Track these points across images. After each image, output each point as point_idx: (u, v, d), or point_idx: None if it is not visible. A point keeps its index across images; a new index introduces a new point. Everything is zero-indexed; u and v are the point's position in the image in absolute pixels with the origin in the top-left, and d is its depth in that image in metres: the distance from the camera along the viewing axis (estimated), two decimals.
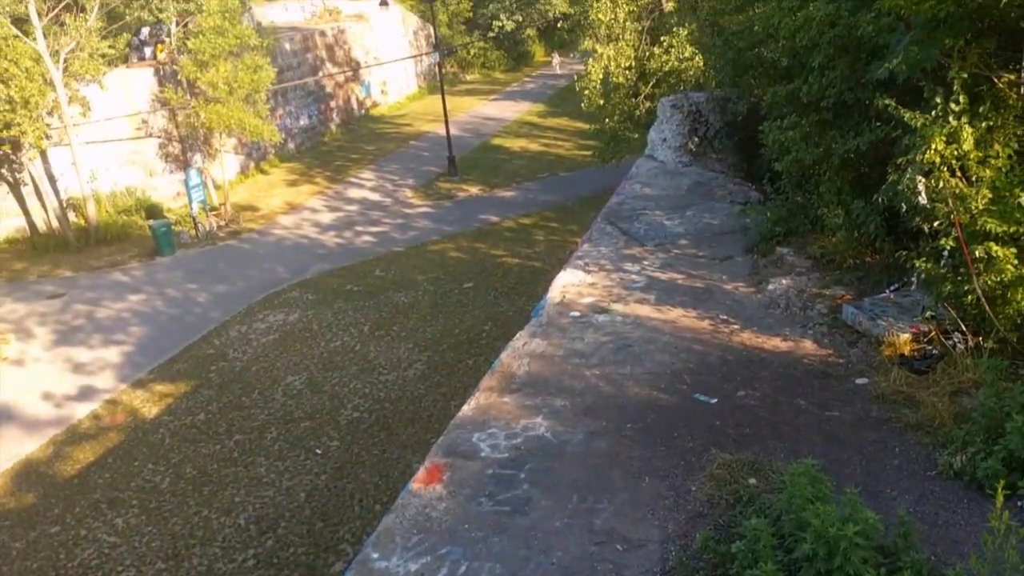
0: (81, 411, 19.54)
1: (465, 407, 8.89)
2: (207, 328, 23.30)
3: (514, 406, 8.80)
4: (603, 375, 9.35)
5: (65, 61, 29.25)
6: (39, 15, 28.59)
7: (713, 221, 14.57)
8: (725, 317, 10.66)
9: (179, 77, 32.93)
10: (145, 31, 35.78)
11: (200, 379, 20.48)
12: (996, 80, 8.68)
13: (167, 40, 34.47)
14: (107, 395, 20.23)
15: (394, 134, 47.87)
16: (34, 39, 28.21)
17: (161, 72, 34.88)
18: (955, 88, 8.46)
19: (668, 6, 27.68)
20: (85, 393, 20.38)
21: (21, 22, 28.42)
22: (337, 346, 21.51)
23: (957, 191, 8.39)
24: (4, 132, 26.83)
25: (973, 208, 8.27)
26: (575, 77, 32.44)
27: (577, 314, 11.07)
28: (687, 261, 12.86)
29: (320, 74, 47.42)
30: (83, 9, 30.02)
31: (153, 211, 32.85)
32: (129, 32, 33.37)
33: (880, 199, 9.41)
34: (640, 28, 28.13)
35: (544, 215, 31.44)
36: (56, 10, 29.35)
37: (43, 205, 31.03)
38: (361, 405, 18.53)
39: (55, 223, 31.01)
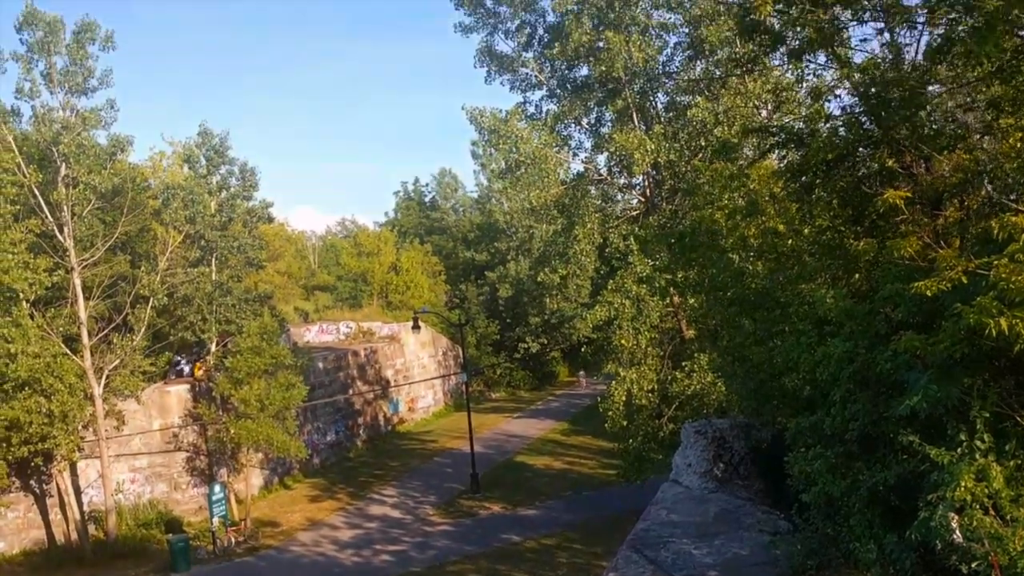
0: None
1: None
2: None
3: None
4: None
5: (107, 377, 30.38)
6: (89, 334, 30.15)
7: (742, 551, 14.19)
8: None
9: (213, 393, 33.95)
10: (186, 363, 37.52)
11: None
12: (1019, 419, 8.83)
13: (207, 359, 35.90)
14: None
15: (419, 450, 48.16)
16: (81, 356, 29.52)
17: (196, 388, 36.02)
18: (979, 427, 8.58)
19: (688, 334, 28.73)
20: None
21: (71, 340, 29.88)
22: None
23: (992, 531, 8.26)
24: (39, 445, 27.26)
25: (1011, 549, 8.09)
26: (599, 398, 33.12)
27: None
28: None
29: (350, 392, 48.71)
30: (131, 329, 31.63)
31: (174, 524, 32.59)
32: (171, 351, 34.88)
33: (913, 535, 9.24)
34: (662, 353, 29.09)
35: (567, 535, 30.71)
36: (106, 331, 30.93)
37: (65, 517, 30.92)
38: None
39: (74, 535, 30.69)
